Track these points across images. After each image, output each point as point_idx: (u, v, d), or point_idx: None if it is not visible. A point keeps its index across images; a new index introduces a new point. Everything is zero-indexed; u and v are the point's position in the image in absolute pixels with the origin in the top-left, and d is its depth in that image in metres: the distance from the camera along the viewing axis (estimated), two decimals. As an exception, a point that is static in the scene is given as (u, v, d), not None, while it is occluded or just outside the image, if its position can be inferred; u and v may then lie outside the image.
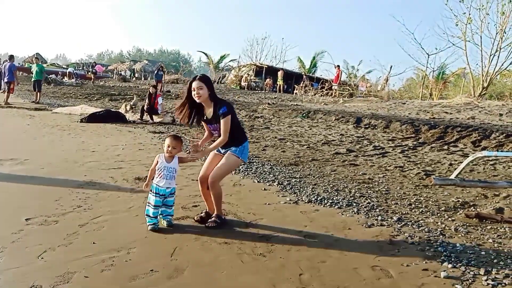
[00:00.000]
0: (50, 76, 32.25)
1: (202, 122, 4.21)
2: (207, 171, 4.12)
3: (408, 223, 4.38)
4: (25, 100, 18.87)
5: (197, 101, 4.00)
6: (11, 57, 17.67)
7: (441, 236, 4.05)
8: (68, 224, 3.99)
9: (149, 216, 3.94)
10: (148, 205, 3.96)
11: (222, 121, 3.96)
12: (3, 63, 18.00)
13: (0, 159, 6.59)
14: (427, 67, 24.45)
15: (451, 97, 22.25)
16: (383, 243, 3.81)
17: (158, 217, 4.00)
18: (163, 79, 28.16)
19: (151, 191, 3.97)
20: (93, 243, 3.57)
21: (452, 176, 5.83)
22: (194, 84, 3.97)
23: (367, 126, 12.38)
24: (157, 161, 3.98)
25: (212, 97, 4.04)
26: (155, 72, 28.34)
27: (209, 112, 4.08)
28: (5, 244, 3.44)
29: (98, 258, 3.28)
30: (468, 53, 20.25)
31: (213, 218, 4.11)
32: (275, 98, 23.82)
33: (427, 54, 23.61)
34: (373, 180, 6.41)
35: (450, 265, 3.34)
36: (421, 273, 3.21)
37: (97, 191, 5.13)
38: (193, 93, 3.99)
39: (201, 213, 4.32)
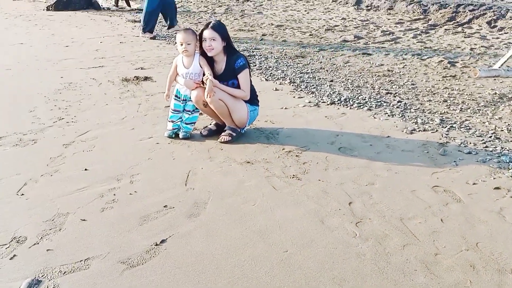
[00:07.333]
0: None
1: None
2: (200, 91, 3.25)
3: (454, 125, 3.74)
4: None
5: (209, 54, 3.17)
6: None
7: (496, 140, 3.45)
8: (50, 144, 3.25)
9: (168, 120, 3.47)
10: (170, 109, 3.45)
11: (240, 75, 3.21)
12: None
13: (-44, 60, 5.56)
14: None
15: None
16: (434, 153, 3.19)
17: (179, 123, 3.44)
18: None
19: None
20: (85, 169, 2.88)
21: (496, 66, 5.11)
22: (206, 34, 3.11)
23: (369, 7, 11.20)
24: (176, 65, 3.31)
25: (226, 50, 3.22)
26: None
27: (220, 67, 3.26)
28: (-28, 177, 2.72)
29: (95, 191, 2.60)
30: None
31: (226, 131, 3.39)
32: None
33: None
34: (393, 72, 5.65)
35: (523, 181, 2.78)
36: (493, 194, 2.65)
37: (80, 98, 4.30)
38: (203, 44, 3.14)
39: (210, 124, 3.59)
